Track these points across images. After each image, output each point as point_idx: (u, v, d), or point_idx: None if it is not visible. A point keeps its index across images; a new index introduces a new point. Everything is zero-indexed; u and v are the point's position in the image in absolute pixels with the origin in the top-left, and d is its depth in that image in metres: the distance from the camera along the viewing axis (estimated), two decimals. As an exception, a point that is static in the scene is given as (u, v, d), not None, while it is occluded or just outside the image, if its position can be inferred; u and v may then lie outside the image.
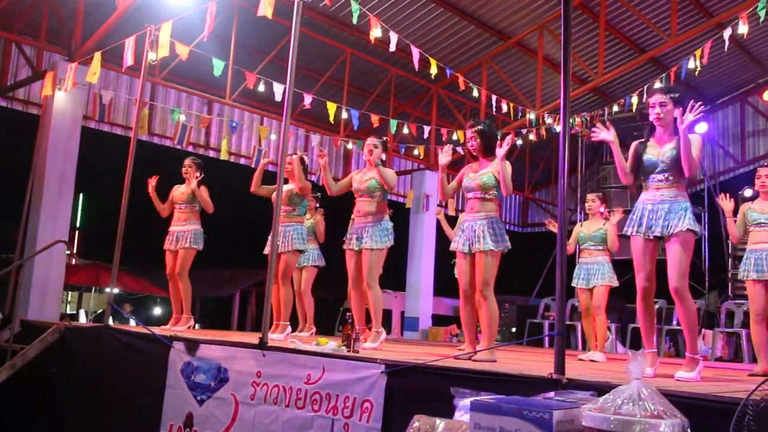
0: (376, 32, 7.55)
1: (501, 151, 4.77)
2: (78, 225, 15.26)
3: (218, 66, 8.20)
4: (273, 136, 11.85)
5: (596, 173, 15.47)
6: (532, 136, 12.13)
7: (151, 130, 11.53)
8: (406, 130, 10.97)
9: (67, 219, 9.08)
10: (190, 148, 11.32)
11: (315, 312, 7.86)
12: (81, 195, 15.10)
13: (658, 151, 4.08)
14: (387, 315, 13.67)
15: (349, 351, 4.58)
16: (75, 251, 12.96)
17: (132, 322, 8.71)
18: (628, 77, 13.70)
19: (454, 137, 11.20)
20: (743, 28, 8.44)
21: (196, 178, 6.97)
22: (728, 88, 14.93)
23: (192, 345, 5.13)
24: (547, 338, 10.75)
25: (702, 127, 12.38)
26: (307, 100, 9.53)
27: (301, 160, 6.67)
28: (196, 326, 7.30)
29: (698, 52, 9.24)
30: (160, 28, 6.61)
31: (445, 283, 12.79)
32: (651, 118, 4.14)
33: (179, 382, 5.08)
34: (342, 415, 4.01)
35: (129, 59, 6.82)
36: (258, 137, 12.05)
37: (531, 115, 11.65)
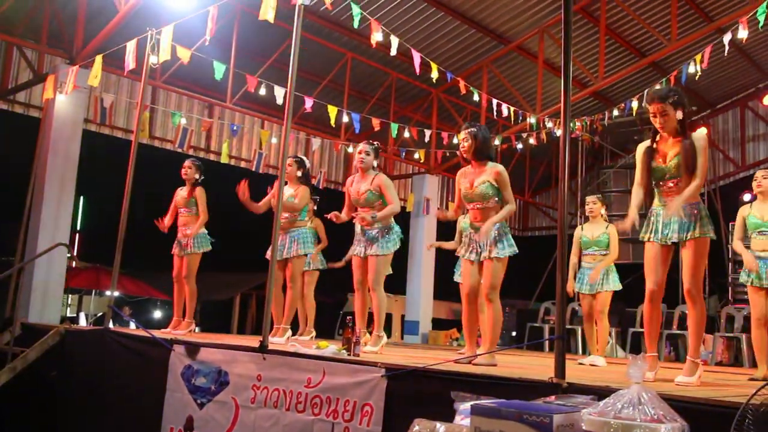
0: (377, 36, 7.55)
1: (487, 228, 4.78)
2: (78, 228, 15.26)
3: (219, 69, 8.21)
4: (274, 140, 11.88)
5: (596, 177, 15.48)
6: (532, 140, 12.14)
7: (152, 134, 11.54)
8: (406, 134, 10.98)
9: (67, 222, 9.09)
10: (190, 152, 11.34)
11: (315, 315, 7.86)
12: (82, 198, 15.10)
13: (664, 158, 4.09)
14: (387, 319, 13.65)
15: (349, 355, 4.58)
16: (75, 254, 12.95)
17: (132, 325, 8.70)
18: (628, 81, 13.73)
19: (455, 141, 11.20)
20: (743, 33, 8.45)
21: (195, 179, 6.99)
22: (728, 93, 14.94)
23: (192, 348, 5.13)
24: (547, 342, 10.75)
25: (701, 132, 12.37)
26: (308, 103, 9.55)
27: (301, 163, 6.66)
28: (197, 330, 7.30)
29: (698, 57, 9.25)
30: (161, 32, 6.63)
31: (445, 287, 12.78)
32: (655, 126, 4.13)
33: (180, 386, 5.08)
34: (342, 419, 4.01)
35: (130, 63, 6.84)
36: (259, 141, 12.05)
37: (531, 119, 11.66)
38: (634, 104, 10.73)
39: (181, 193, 7.10)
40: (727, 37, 8.75)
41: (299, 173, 6.62)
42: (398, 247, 5.63)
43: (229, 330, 15.50)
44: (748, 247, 5.46)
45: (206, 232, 7.05)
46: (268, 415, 4.42)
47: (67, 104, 8.94)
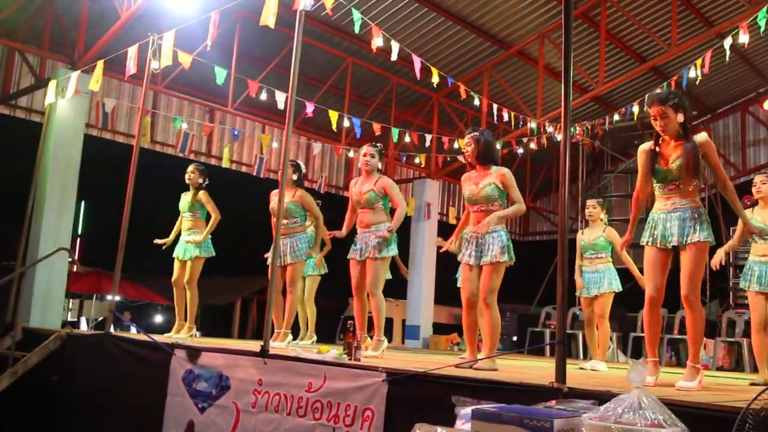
0: (377, 41, 7.58)
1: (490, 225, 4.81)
2: (80, 232, 15.26)
3: (221, 74, 8.23)
4: (275, 145, 11.89)
5: (597, 182, 15.50)
6: (533, 145, 12.16)
7: (153, 139, 11.56)
8: (407, 139, 10.99)
9: (69, 226, 9.09)
10: (192, 156, 11.35)
11: (316, 320, 7.86)
12: (83, 203, 15.11)
13: (666, 160, 4.09)
14: (388, 323, 13.65)
15: (350, 359, 4.59)
16: (77, 259, 12.96)
17: (133, 330, 8.71)
18: (629, 86, 13.74)
19: (456, 146, 11.22)
20: (744, 38, 8.47)
21: (199, 183, 7.00)
22: (729, 98, 14.96)
23: (193, 353, 5.13)
24: (548, 347, 10.74)
25: (702, 136, 12.38)
26: (309, 108, 9.56)
27: (297, 167, 6.66)
28: (198, 334, 7.31)
29: (699, 62, 9.27)
30: (162, 37, 6.65)
31: (446, 292, 12.78)
32: (656, 129, 4.14)
33: (180, 390, 5.08)
34: (343, 424, 4.01)
35: (131, 68, 6.85)
36: (260, 145, 12.08)
37: (532, 124, 11.68)
38: (635, 109, 10.75)
39: (185, 197, 7.12)
40: (727, 42, 8.77)
41: (294, 177, 6.62)
42: (392, 253, 5.63)
43: (230, 334, 15.50)
44: (746, 253, 5.49)
45: (210, 239, 7.06)
46: (269, 419, 4.42)
47: (68, 109, 8.95)
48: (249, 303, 16.98)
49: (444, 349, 12.51)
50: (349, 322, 5.16)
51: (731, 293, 11.86)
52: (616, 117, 11.69)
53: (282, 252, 6.38)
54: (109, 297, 12.06)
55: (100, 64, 7.11)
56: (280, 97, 8.82)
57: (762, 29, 8.28)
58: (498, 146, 11.48)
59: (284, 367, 4.50)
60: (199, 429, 4.85)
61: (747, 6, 10.28)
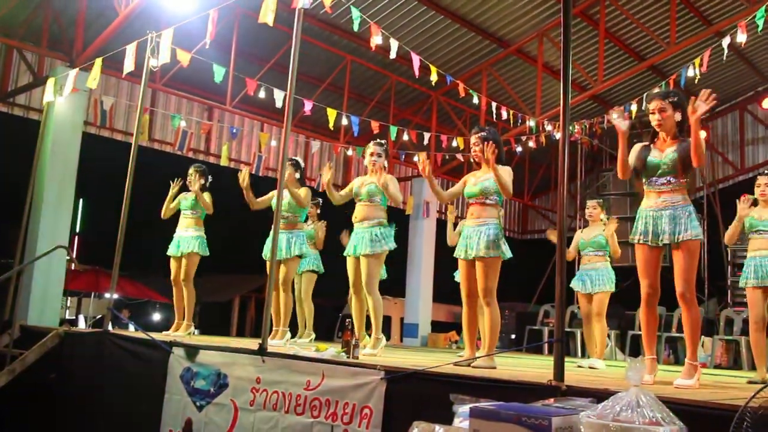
0: (376, 39, 7.57)
1: (490, 160, 4.77)
2: (78, 230, 15.26)
3: (219, 72, 8.22)
4: (273, 143, 11.89)
5: (596, 180, 15.51)
6: (531, 143, 12.16)
7: (151, 136, 11.56)
8: (406, 137, 10.99)
9: (67, 224, 9.09)
10: (190, 155, 11.35)
11: (314, 318, 7.86)
12: (81, 200, 15.11)
13: (660, 154, 4.10)
14: (386, 321, 13.68)
15: (348, 357, 4.59)
16: (75, 256, 12.95)
17: (131, 328, 8.70)
18: (627, 85, 13.74)
19: (454, 144, 11.22)
20: (742, 37, 8.47)
21: (201, 184, 7.02)
22: (727, 96, 14.95)
23: (191, 351, 5.13)
24: (546, 345, 10.76)
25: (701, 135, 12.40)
26: (308, 106, 9.55)
27: (297, 165, 6.67)
28: (196, 332, 7.31)
29: (697, 60, 9.27)
30: (161, 35, 6.64)
31: (444, 290, 12.78)
32: (653, 124, 4.16)
33: (179, 388, 5.08)
34: (341, 422, 4.01)
35: (130, 65, 6.84)
36: (258, 143, 12.07)
37: (531, 122, 11.67)
38: (633, 107, 10.75)
39: (185, 195, 7.13)
40: (726, 41, 8.77)
41: (297, 175, 6.66)
42: (391, 247, 5.60)
43: (228, 332, 15.51)
44: (745, 251, 5.50)
45: (205, 237, 7.07)
46: (267, 417, 4.42)
47: (66, 107, 8.94)
48: (247, 301, 17.00)
49: (442, 347, 12.52)
50: (347, 320, 5.16)
51: (729, 291, 11.88)
52: (612, 114, 11.66)
53: (280, 248, 6.39)
54: (107, 295, 12.05)
55: (98, 61, 7.10)
56: (279, 95, 8.81)
57: (760, 28, 8.29)
58: (503, 147, 11.56)
59: (282, 365, 4.50)
60: (197, 427, 4.85)
61: (746, 5, 10.29)
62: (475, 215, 4.89)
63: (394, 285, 11.74)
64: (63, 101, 8.65)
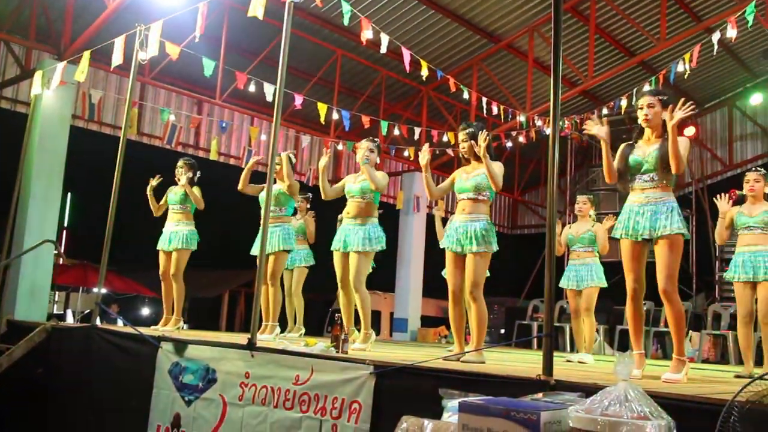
0: (367, 34, 7.54)
1: (481, 149, 4.75)
2: (66, 224, 15.15)
3: (208, 66, 8.17)
4: (263, 137, 11.84)
5: (585, 176, 15.56)
6: (521, 139, 12.18)
7: (140, 130, 11.50)
8: (396, 132, 10.98)
9: (54, 218, 9.03)
10: (179, 149, 11.29)
11: (304, 313, 7.85)
12: (69, 194, 15.00)
13: (643, 152, 4.12)
14: (376, 316, 13.68)
15: (337, 352, 4.58)
16: (63, 251, 12.87)
17: (120, 323, 8.66)
18: (617, 80, 13.78)
19: (445, 139, 11.22)
20: (731, 33, 8.50)
21: (188, 177, 6.96)
22: (716, 92, 15.04)
23: (180, 345, 5.11)
24: (535, 339, 10.78)
25: (689, 131, 12.47)
26: (298, 100, 9.52)
27: (289, 159, 6.66)
28: (185, 327, 7.28)
29: (687, 56, 9.30)
30: (150, 28, 6.59)
31: (434, 285, 12.79)
32: (639, 120, 4.18)
33: (167, 383, 5.06)
34: (330, 416, 4.01)
35: (118, 59, 6.79)
36: (248, 138, 12.02)
37: (521, 118, 11.68)
38: (623, 103, 10.78)
39: (174, 189, 7.08)
40: (715, 37, 8.80)
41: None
42: (381, 248, 5.60)
43: (217, 327, 15.46)
44: (733, 247, 5.54)
45: (196, 231, 7.03)
46: (255, 412, 4.41)
47: (54, 100, 8.87)
48: (237, 296, 16.94)
49: (432, 341, 12.53)
50: (336, 314, 5.15)
51: (717, 287, 11.95)
52: (605, 111, 11.71)
53: (269, 240, 6.37)
54: (95, 289, 11.99)
55: (86, 54, 7.04)
56: (269, 90, 8.77)
57: (750, 24, 8.33)
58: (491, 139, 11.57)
59: (271, 359, 4.49)
60: (186, 422, 4.84)
61: (735, 1, 10.32)
62: (466, 210, 4.87)
63: (383, 280, 11.75)
64: (51, 94, 8.59)
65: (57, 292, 15.51)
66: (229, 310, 16.73)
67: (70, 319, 13.81)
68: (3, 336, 7.00)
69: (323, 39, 11.41)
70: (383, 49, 8.07)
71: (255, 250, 6.36)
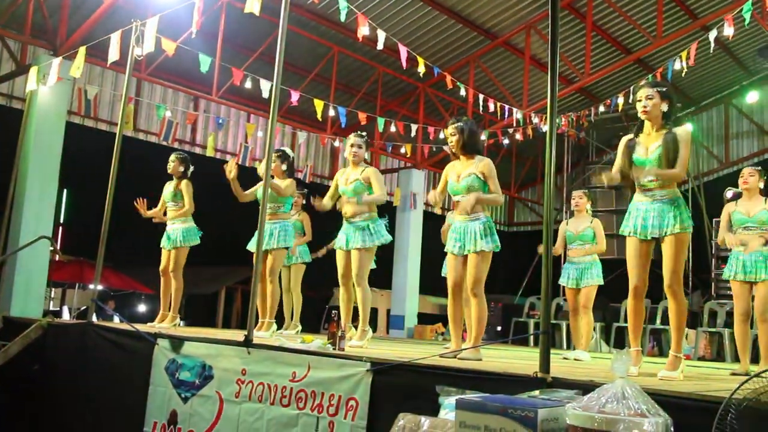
0: (363, 30, 7.53)
1: (469, 206, 4.74)
2: (62, 221, 15.11)
3: (205, 62, 8.16)
4: (260, 133, 11.83)
5: (582, 173, 15.57)
6: (518, 136, 12.18)
7: (136, 126, 11.47)
8: (393, 128, 10.97)
9: (50, 215, 9.01)
10: (175, 145, 11.26)
11: (301, 309, 7.84)
12: (65, 190, 14.95)
13: (645, 150, 4.10)
14: (373, 313, 13.65)
15: (334, 349, 4.58)
16: (59, 247, 12.83)
17: (116, 319, 8.65)
18: (614, 78, 13.78)
19: (441, 136, 11.21)
20: (728, 30, 8.50)
21: (180, 172, 6.94)
22: (713, 90, 15.06)
23: (177, 342, 5.10)
24: (532, 337, 10.80)
25: (686, 126, 12.47)
26: (294, 97, 9.51)
27: (284, 157, 6.63)
28: (181, 324, 7.27)
29: (684, 54, 9.30)
30: (146, 24, 6.56)
31: (431, 282, 12.80)
32: (639, 113, 4.17)
33: (163, 380, 5.05)
34: (327, 413, 4.00)
35: (115, 54, 6.77)
36: (245, 134, 12.00)
37: (518, 115, 11.68)
38: (620, 100, 10.78)
39: (168, 187, 7.06)
40: (712, 35, 8.80)
41: (284, 166, 6.60)
42: (385, 240, 5.61)
43: (214, 324, 15.45)
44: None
45: (195, 226, 7.01)
46: (252, 409, 4.41)
47: (50, 96, 8.84)
48: (233, 292, 16.93)
49: (429, 338, 12.54)
50: (333, 312, 5.14)
51: (713, 284, 11.97)
52: (602, 108, 11.73)
53: (265, 238, 6.36)
54: (91, 286, 11.97)
55: (82, 50, 7.02)
56: (265, 86, 8.75)
57: (747, 22, 8.33)
58: (483, 136, 11.58)
59: (268, 356, 4.48)
60: (182, 419, 4.83)
61: (732, -2, 10.33)
62: (464, 212, 4.87)
63: (380, 277, 11.73)
64: (46, 90, 8.56)
65: (53, 289, 15.49)
66: (226, 306, 16.72)
67: (66, 316, 13.78)
68: (-1, 332, 6.97)
69: (320, 35, 11.39)
70: (380, 46, 8.06)
71: (252, 246, 6.35)
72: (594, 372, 4.16)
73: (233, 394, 4.55)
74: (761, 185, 5.50)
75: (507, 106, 11.53)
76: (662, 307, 10.50)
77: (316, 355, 4.27)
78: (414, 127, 11.25)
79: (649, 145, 4.09)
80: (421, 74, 9.17)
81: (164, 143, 10.71)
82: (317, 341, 4.72)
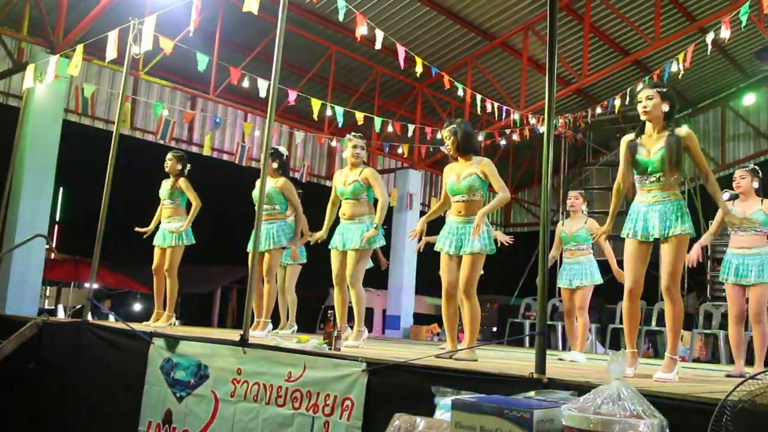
0: (361, 30, 7.52)
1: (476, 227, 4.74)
2: (58, 219, 15.09)
3: (202, 61, 8.14)
4: (257, 133, 11.82)
5: (579, 174, 15.59)
6: (515, 137, 12.18)
7: (133, 125, 11.45)
8: (390, 129, 10.97)
9: (46, 213, 8.99)
10: (172, 144, 11.25)
11: (297, 310, 7.83)
12: (61, 189, 14.94)
13: (648, 152, 4.10)
14: (369, 313, 13.67)
15: (330, 349, 4.57)
16: (55, 246, 12.81)
17: (111, 318, 8.63)
18: (611, 79, 13.80)
19: (439, 136, 11.20)
20: (725, 33, 8.51)
21: (177, 170, 6.92)
22: (709, 92, 15.09)
23: (172, 341, 5.09)
24: (528, 338, 10.81)
25: (686, 128, 12.50)
26: (292, 96, 9.50)
27: (276, 155, 6.61)
28: (177, 323, 7.25)
29: (681, 56, 9.32)
30: (144, 22, 6.55)
31: (427, 282, 12.80)
32: (639, 113, 4.17)
33: (159, 379, 5.04)
34: (322, 413, 4.00)
35: (112, 53, 6.75)
36: (242, 133, 11.99)
37: (515, 116, 11.69)
38: (617, 102, 10.80)
39: (165, 185, 7.04)
40: (709, 37, 8.81)
41: (275, 164, 6.58)
42: (380, 244, 5.62)
43: (209, 323, 15.44)
44: (724, 246, 5.55)
45: (190, 225, 6.99)
46: (248, 408, 4.40)
47: (47, 94, 8.82)
48: (229, 292, 16.92)
49: (424, 339, 12.54)
50: (329, 312, 5.14)
51: (708, 286, 11.99)
52: (599, 110, 11.74)
53: (262, 238, 6.35)
54: (87, 285, 11.94)
55: (79, 48, 7.00)
56: (263, 85, 8.74)
57: (744, 24, 8.35)
58: (480, 137, 11.58)
59: (264, 356, 4.47)
60: (177, 418, 4.82)
61: (729, 1, 10.35)
62: (463, 213, 4.86)
63: (376, 277, 11.73)
64: (43, 88, 8.54)
65: (48, 287, 15.46)
66: (222, 306, 16.71)
67: (61, 315, 13.76)
68: (-7, 331, 6.94)
69: (318, 35, 11.38)
70: (378, 46, 8.05)
71: (252, 246, 6.34)
72: (590, 373, 4.16)
73: (228, 394, 4.54)
74: (755, 185, 5.51)
75: (504, 107, 11.54)
76: (658, 308, 10.52)
77: (311, 355, 4.26)
78: (411, 127, 11.25)
79: (651, 146, 4.09)
80: (418, 74, 9.17)
81: (161, 142, 10.69)
82: (313, 341, 4.72)
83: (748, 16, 8.26)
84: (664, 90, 4.12)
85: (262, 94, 8.71)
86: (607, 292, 8.44)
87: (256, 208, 5.23)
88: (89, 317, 6.57)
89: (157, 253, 6.98)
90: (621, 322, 4.30)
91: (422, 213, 13.76)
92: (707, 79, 14.40)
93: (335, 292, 5.70)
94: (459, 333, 5.19)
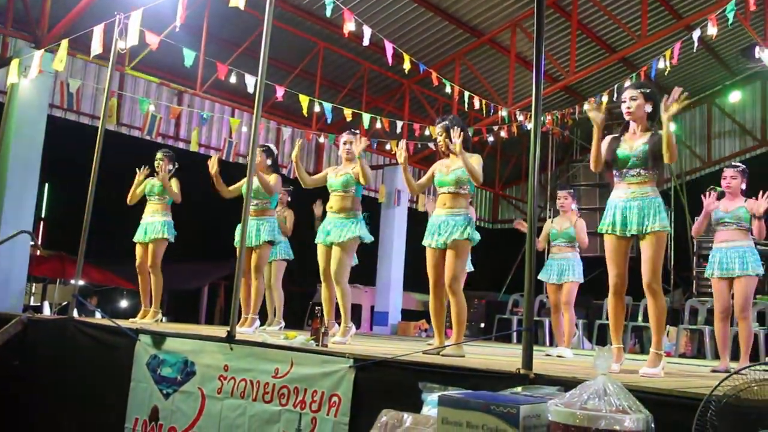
0: (349, 26, 7.50)
1: (457, 147, 4.77)
2: (43, 215, 14.96)
3: (189, 56, 8.09)
4: (244, 129, 11.77)
5: (566, 171, 15.64)
6: (503, 133, 12.21)
7: (119, 120, 11.37)
8: (378, 125, 10.96)
9: (31, 209, 8.92)
10: (159, 139, 11.19)
11: (284, 306, 7.81)
12: (46, 185, 14.81)
13: (630, 146, 4.12)
14: (356, 309, 13.67)
15: (317, 345, 4.57)
16: (40, 242, 12.70)
17: (98, 315, 8.58)
18: (598, 76, 13.86)
19: (426, 132, 11.22)
20: (712, 30, 8.57)
21: (168, 171, 6.88)
22: (696, 90, 15.17)
23: (158, 338, 5.06)
24: (515, 333, 10.84)
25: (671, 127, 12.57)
26: (279, 92, 9.47)
27: (269, 152, 6.61)
28: (164, 319, 7.22)
29: (668, 53, 9.37)
30: (129, 17, 6.50)
31: (414, 278, 12.79)
32: (623, 113, 4.19)
33: (145, 376, 5.01)
34: (310, 409, 4.00)
35: (97, 47, 6.69)
36: (229, 129, 11.94)
37: (503, 112, 11.71)
38: (604, 99, 10.84)
39: (152, 181, 6.99)
40: (696, 34, 8.87)
41: (269, 161, 6.60)
42: (361, 235, 5.55)
43: (197, 320, 15.37)
44: (710, 242, 5.60)
45: (172, 222, 6.96)
46: (234, 405, 4.39)
47: (31, 89, 8.74)
48: (216, 288, 16.84)
49: (412, 335, 12.55)
50: (317, 308, 5.13)
51: (694, 282, 12.08)
52: (586, 107, 11.76)
53: (251, 234, 6.34)
54: (72, 281, 11.87)
55: (64, 43, 6.94)
56: (250, 81, 8.71)
57: (730, 22, 8.40)
58: (469, 134, 11.60)
59: (251, 352, 4.46)
60: (164, 415, 4.80)
61: (715, -2, 10.42)
62: (447, 205, 4.89)
63: (364, 273, 11.73)
64: (28, 83, 8.46)
65: (34, 284, 15.33)
66: (209, 302, 16.63)
67: (47, 311, 13.65)
68: (-22, 328, 6.88)
69: (305, 31, 11.35)
70: (365, 42, 8.05)
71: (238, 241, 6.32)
72: (576, 369, 4.18)
73: (215, 390, 4.53)
74: (743, 186, 5.56)
75: (492, 104, 11.56)
76: (644, 304, 10.57)
77: (299, 352, 4.26)
78: (399, 123, 11.24)
79: (634, 142, 4.12)
80: (406, 71, 9.18)
81: (147, 138, 10.62)
82: (300, 337, 4.71)
83: (734, 13, 8.31)
84: (648, 90, 4.14)
85: (250, 89, 8.67)
86: (595, 288, 8.47)
87: (243, 203, 5.22)
88: (75, 314, 6.51)
89: (139, 250, 6.94)
90: (608, 318, 4.31)
91: (410, 209, 13.78)
92: (694, 77, 14.49)
93: (323, 288, 5.69)
94: (447, 329, 5.20)
